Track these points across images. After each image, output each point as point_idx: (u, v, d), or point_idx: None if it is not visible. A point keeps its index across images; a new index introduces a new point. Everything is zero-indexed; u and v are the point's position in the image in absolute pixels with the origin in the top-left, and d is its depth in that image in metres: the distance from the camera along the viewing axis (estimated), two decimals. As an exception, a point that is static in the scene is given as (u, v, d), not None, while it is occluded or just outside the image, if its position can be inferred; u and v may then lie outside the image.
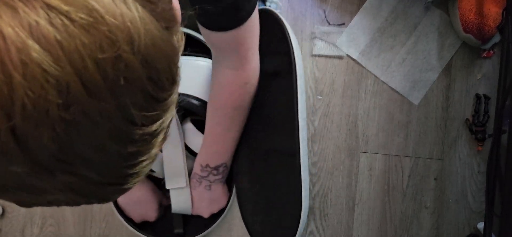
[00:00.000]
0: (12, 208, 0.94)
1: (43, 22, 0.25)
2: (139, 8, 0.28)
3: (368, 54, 0.92)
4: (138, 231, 0.89)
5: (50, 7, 0.25)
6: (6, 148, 0.26)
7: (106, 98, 0.27)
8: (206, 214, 0.88)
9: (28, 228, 0.95)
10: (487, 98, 0.92)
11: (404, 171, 0.94)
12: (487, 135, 0.91)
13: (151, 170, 0.86)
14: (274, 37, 0.77)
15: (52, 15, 0.25)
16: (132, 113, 0.29)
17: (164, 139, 0.34)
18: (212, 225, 0.89)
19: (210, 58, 0.79)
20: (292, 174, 0.77)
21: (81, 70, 0.25)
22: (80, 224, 0.95)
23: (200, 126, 0.83)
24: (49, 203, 0.31)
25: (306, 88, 0.92)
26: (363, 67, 0.93)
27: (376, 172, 0.94)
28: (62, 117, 0.26)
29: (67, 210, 0.94)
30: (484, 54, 0.91)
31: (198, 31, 0.84)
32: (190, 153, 0.86)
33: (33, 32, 0.24)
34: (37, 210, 0.94)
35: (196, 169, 0.83)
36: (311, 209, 0.94)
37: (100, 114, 0.27)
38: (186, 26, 0.84)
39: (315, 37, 0.92)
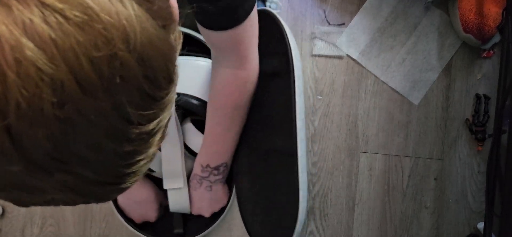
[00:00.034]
0: (12, 208, 0.94)
1: (37, 20, 0.24)
2: (135, 6, 0.28)
3: (368, 54, 0.92)
4: (138, 231, 0.89)
5: (44, 5, 0.25)
6: (1, 147, 0.25)
7: (102, 96, 0.27)
8: (207, 214, 0.88)
9: (28, 228, 0.95)
10: (487, 98, 0.92)
11: (404, 171, 0.94)
12: (487, 135, 0.91)
13: (151, 170, 0.86)
14: (273, 38, 0.77)
15: (47, 13, 0.25)
16: (128, 111, 0.28)
17: (162, 138, 0.34)
18: (212, 225, 0.89)
19: (210, 58, 0.79)
20: (291, 174, 0.77)
21: (76, 69, 0.25)
22: (80, 224, 0.95)
23: (200, 126, 0.83)
24: (47, 203, 0.31)
25: (306, 88, 0.92)
26: (363, 67, 0.93)
27: (376, 172, 0.94)
28: (57, 115, 0.26)
29: (67, 210, 0.94)
30: (484, 54, 0.91)
31: (198, 31, 0.84)
32: (190, 153, 0.86)
33: (27, 30, 0.24)
34: (37, 210, 0.94)
35: (197, 170, 0.83)
36: (311, 209, 0.94)
37: (96, 112, 0.27)
38: (186, 26, 0.84)
39: (315, 37, 0.92)
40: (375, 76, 0.93)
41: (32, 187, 0.28)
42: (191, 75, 0.81)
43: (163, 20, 0.31)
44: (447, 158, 0.94)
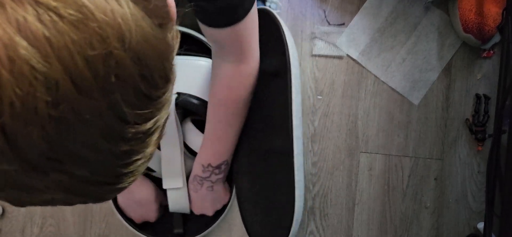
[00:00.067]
0: (12, 208, 0.94)
1: (31, 18, 0.24)
2: (131, 4, 0.28)
3: (368, 54, 0.92)
4: (138, 231, 0.89)
5: (38, 3, 0.24)
6: None
7: (97, 95, 0.26)
8: (211, 212, 0.87)
9: (28, 228, 0.95)
10: (487, 98, 0.92)
11: (404, 171, 0.94)
12: (487, 135, 0.91)
13: (151, 170, 0.86)
14: (271, 37, 0.77)
15: (41, 11, 0.24)
16: (124, 111, 0.28)
17: (160, 137, 0.34)
18: (212, 225, 0.89)
19: (210, 57, 0.79)
20: (289, 174, 0.77)
21: (70, 67, 0.25)
22: (80, 224, 0.95)
23: (200, 126, 0.83)
24: (43, 202, 0.31)
25: (306, 88, 0.92)
26: (363, 67, 0.93)
27: (376, 172, 0.94)
28: (52, 115, 0.25)
29: (67, 210, 0.94)
30: (484, 54, 0.91)
31: (198, 31, 0.84)
32: (190, 153, 0.86)
33: (21, 28, 0.24)
34: (37, 210, 0.94)
35: (197, 170, 0.82)
36: (311, 209, 0.94)
37: (91, 112, 0.27)
38: (186, 26, 0.84)
39: (315, 37, 0.92)
40: (375, 76, 0.93)
41: (28, 186, 0.28)
42: (191, 74, 0.81)
43: (160, 18, 0.30)
44: (447, 158, 0.94)
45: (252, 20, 0.68)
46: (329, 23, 0.92)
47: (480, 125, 0.91)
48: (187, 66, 0.81)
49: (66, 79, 0.25)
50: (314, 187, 0.94)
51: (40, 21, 0.24)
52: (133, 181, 0.34)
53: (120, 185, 0.33)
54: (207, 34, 0.69)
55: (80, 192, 0.31)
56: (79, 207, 0.94)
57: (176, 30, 0.35)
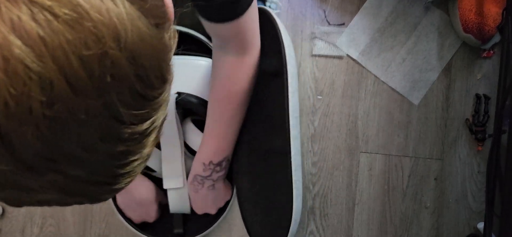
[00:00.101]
0: (13, 208, 0.94)
1: (25, 18, 0.24)
2: (126, 4, 0.28)
3: (368, 54, 0.92)
4: (138, 231, 0.89)
5: (33, 2, 0.24)
6: None
7: (92, 95, 0.26)
8: (213, 211, 0.87)
9: (28, 228, 0.95)
10: (487, 98, 0.92)
11: (404, 171, 0.94)
12: (487, 135, 0.91)
13: (151, 170, 0.86)
14: (269, 37, 0.77)
15: (35, 10, 0.24)
16: (120, 111, 0.28)
17: (157, 138, 0.34)
18: (212, 225, 0.89)
19: (210, 57, 0.79)
20: (287, 174, 0.77)
21: (65, 67, 0.25)
22: (80, 224, 0.95)
23: (200, 125, 0.82)
24: (39, 203, 0.31)
25: (306, 88, 0.92)
26: (363, 67, 0.93)
27: (376, 172, 0.94)
28: (46, 114, 0.25)
29: (67, 210, 0.94)
30: (484, 54, 0.91)
31: (197, 30, 0.84)
32: (190, 152, 0.86)
33: (15, 27, 0.24)
34: (37, 210, 0.94)
35: (198, 169, 0.81)
36: (311, 209, 0.94)
37: (86, 112, 0.26)
38: (186, 26, 0.84)
39: (315, 37, 0.92)
40: (375, 76, 0.93)
41: (22, 186, 0.28)
42: (192, 74, 0.81)
43: (156, 18, 0.30)
44: (447, 158, 0.94)
45: (253, 12, 0.68)
46: (329, 23, 0.92)
47: (480, 125, 0.91)
48: (187, 66, 0.81)
49: (61, 79, 0.25)
50: (314, 187, 0.94)
51: (35, 20, 0.24)
52: (130, 181, 0.34)
53: (117, 186, 0.33)
54: (209, 29, 0.69)
55: (76, 193, 0.30)
56: (79, 207, 0.95)
57: (174, 30, 0.34)
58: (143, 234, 0.89)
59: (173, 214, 0.89)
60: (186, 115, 0.87)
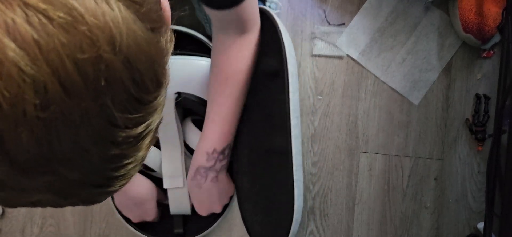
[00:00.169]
0: (12, 208, 0.94)
1: (20, 21, 0.24)
2: (122, 8, 0.28)
3: (368, 54, 0.92)
4: (138, 231, 0.89)
5: (27, 5, 0.24)
6: None
7: (87, 99, 0.26)
8: (219, 209, 0.85)
9: (28, 228, 0.95)
10: (487, 98, 0.92)
11: (404, 171, 0.94)
12: (487, 135, 0.91)
13: (151, 170, 0.86)
14: (269, 37, 0.77)
15: (30, 13, 0.24)
16: (115, 115, 0.28)
17: (152, 141, 0.34)
18: (212, 225, 0.89)
19: (210, 57, 0.79)
20: (288, 173, 0.77)
21: (59, 70, 0.25)
22: (80, 224, 0.95)
23: (200, 125, 0.83)
24: (33, 204, 0.31)
25: (306, 88, 0.93)
26: (363, 67, 0.93)
27: (376, 172, 0.94)
28: (40, 117, 0.25)
29: (67, 210, 0.94)
30: (484, 54, 0.91)
31: (198, 30, 0.84)
32: (190, 152, 0.86)
33: (10, 30, 0.24)
34: (37, 210, 0.94)
35: (201, 160, 0.79)
36: (311, 209, 0.94)
37: (80, 115, 0.26)
38: (186, 26, 0.84)
39: (315, 37, 0.92)
40: (375, 76, 0.93)
41: (17, 188, 0.28)
42: (192, 74, 0.81)
43: (152, 22, 0.30)
44: (447, 158, 0.94)
45: None
46: (329, 23, 0.92)
47: (480, 125, 0.91)
48: (187, 66, 0.81)
49: (55, 82, 0.25)
50: (314, 187, 0.94)
51: (29, 23, 0.24)
52: (124, 184, 0.34)
53: (111, 188, 0.33)
54: (211, 15, 0.69)
55: (70, 195, 0.30)
56: (79, 207, 0.94)
57: (171, 33, 0.34)
58: (143, 234, 0.89)
59: (173, 214, 0.89)
60: (186, 115, 0.87)
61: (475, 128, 0.91)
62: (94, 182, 0.31)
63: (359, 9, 0.92)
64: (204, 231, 0.90)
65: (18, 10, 0.24)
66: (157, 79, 0.31)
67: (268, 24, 0.77)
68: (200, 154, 0.79)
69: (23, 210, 0.94)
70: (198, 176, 0.80)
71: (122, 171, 0.32)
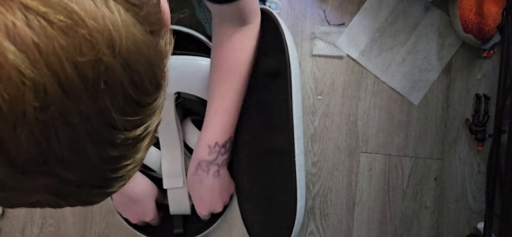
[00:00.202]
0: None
1: (20, 24, 0.24)
2: (122, 11, 0.28)
3: (368, 54, 0.92)
4: (138, 231, 0.89)
5: (27, 8, 0.24)
6: None
7: (86, 101, 0.26)
8: (220, 207, 0.85)
9: (28, 228, 0.95)
10: (487, 98, 0.92)
11: (404, 171, 0.94)
12: (487, 135, 0.91)
13: (151, 170, 0.86)
14: (271, 37, 0.77)
15: (30, 16, 0.24)
16: (114, 117, 0.28)
17: (150, 143, 0.34)
18: (212, 225, 0.89)
19: (210, 57, 0.79)
20: (290, 174, 0.77)
21: (59, 73, 0.25)
22: (80, 224, 0.95)
23: (200, 126, 0.82)
24: (31, 204, 0.31)
25: (306, 88, 0.93)
26: (363, 67, 0.93)
27: (376, 172, 0.94)
28: (40, 119, 0.25)
29: (67, 210, 0.94)
30: (484, 54, 0.91)
31: (198, 30, 0.84)
32: (190, 152, 0.86)
33: (10, 33, 0.24)
34: (37, 210, 0.94)
35: (202, 154, 0.78)
36: (311, 209, 0.94)
37: (80, 117, 0.27)
38: (186, 26, 0.84)
39: (315, 37, 0.92)
40: (375, 76, 0.93)
41: (15, 188, 0.28)
42: (192, 74, 0.81)
43: (152, 25, 0.30)
44: (447, 158, 0.94)
45: None
46: (329, 23, 0.92)
47: (480, 125, 0.91)
48: (187, 66, 0.81)
49: (54, 85, 0.25)
50: (314, 187, 0.94)
51: (29, 26, 0.24)
52: (123, 185, 0.34)
53: (109, 189, 0.33)
54: (212, 9, 0.70)
55: (68, 196, 0.31)
56: (79, 207, 0.94)
57: (170, 36, 0.35)
58: (143, 234, 0.89)
59: (173, 214, 0.89)
60: (186, 115, 0.87)
61: (475, 128, 0.91)
62: (92, 183, 0.31)
63: (359, 9, 0.92)
64: (204, 231, 0.90)
65: (18, 13, 0.24)
66: (156, 82, 0.31)
67: (269, 24, 0.77)
68: (201, 148, 0.78)
69: (23, 210, 0.94)
70: (200, 171, 0.79)
71: (121, 172, 0.32)
